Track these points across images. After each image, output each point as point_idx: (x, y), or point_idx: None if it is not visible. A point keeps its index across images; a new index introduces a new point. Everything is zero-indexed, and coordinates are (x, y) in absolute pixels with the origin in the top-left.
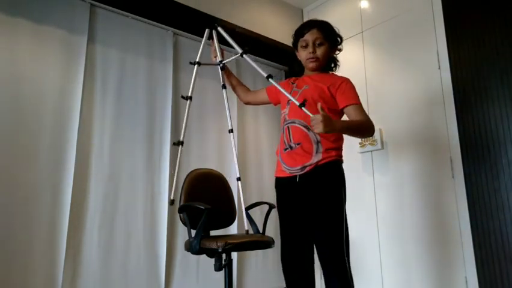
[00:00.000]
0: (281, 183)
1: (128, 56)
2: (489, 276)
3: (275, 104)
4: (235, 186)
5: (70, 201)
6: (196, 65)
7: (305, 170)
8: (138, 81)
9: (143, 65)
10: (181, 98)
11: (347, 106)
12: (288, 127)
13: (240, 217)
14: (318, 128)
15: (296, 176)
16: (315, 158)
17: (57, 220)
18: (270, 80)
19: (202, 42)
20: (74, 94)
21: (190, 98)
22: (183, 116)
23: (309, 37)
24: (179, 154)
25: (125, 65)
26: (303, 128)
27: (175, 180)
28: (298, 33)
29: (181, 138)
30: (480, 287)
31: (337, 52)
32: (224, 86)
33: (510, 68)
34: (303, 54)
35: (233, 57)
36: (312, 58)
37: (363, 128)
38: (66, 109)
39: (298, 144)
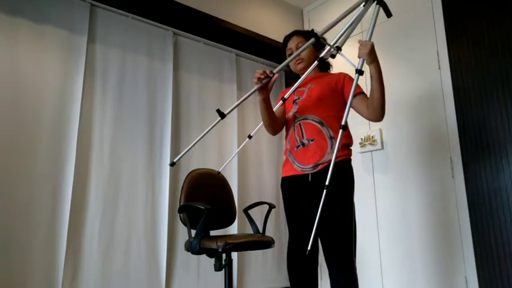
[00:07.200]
0: (291, 182)
1: (128, 56)
2: (489, 276)
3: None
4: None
5: (70, 201)
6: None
7: (318, 169)
8: (138, 81)
9: (143, 65)
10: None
11: (358, 94)
12: (299, 124)
13: (240, 217)
14: (365, 49)
15: (308, 174)
16: (328, 156)
17: (58, 220)
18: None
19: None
20: (74, 94)
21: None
22: (183, 115)
23: (291, 44)
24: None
25: (125, 65)
26: (317, 124)
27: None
28: (284, 45)
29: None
30: (480, 287)
31: (326, 54)
32: (360, 72)
33: (510, 68)
34: (291, 62)
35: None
36: (298, 60)
37: (384, 95)
38: (66, 109)
39: (311, 140)
